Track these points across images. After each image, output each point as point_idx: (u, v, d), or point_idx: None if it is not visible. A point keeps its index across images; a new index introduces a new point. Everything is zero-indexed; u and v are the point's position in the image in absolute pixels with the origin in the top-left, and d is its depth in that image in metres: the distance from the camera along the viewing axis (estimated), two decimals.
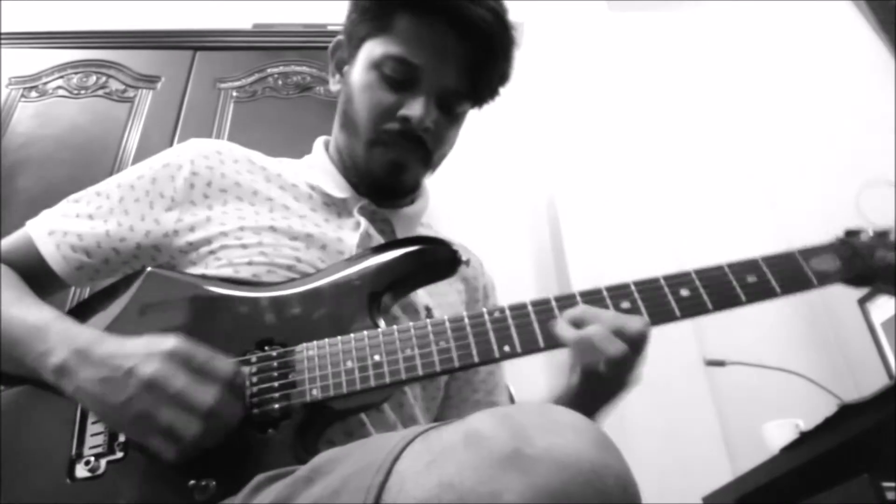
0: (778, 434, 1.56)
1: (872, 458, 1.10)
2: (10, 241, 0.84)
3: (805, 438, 1.21)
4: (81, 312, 0.76)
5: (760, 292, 0.69)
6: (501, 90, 0.91)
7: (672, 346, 1.95)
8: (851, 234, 0.74)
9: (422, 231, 0.97)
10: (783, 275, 0.70)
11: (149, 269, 0.78)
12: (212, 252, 0.78)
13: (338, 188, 0.88)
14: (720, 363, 1.82)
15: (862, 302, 1.80)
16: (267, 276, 0.76)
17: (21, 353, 0.69)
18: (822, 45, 2.28)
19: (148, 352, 0.62)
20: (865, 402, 1.06)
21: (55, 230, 0.82)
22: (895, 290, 0.72)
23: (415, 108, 0.81)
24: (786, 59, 2.45)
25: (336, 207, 0.87)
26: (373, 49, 0.84)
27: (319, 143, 0.96)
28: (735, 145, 2.56)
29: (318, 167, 0.91)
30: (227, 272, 0.76)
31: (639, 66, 2.64)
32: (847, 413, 1.09)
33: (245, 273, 0.76)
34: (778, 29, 2.51)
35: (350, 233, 0.84)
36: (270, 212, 0.82)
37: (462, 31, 0.81)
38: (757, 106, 2.56)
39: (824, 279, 0.70)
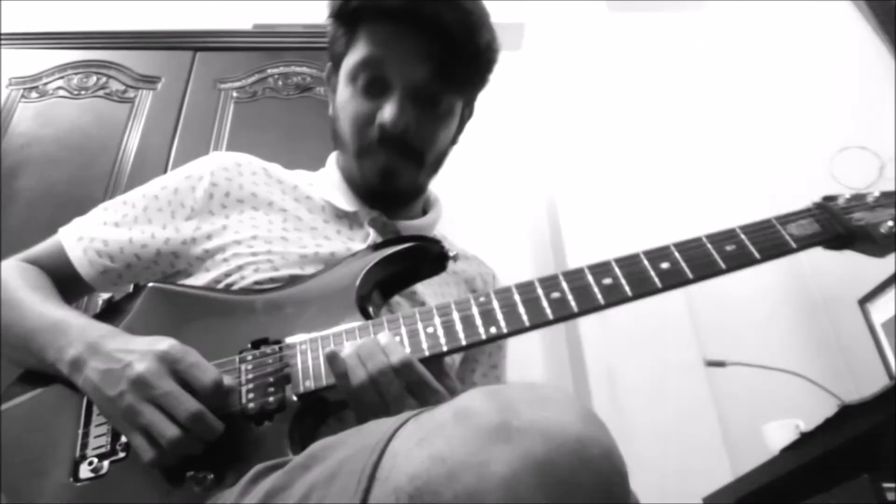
0: (778, 435, 1.56)
1: (872, 459, 1.10)
2: (43, 246, 0.89)
3: (805, 439, 1.21)
4: None
5: (739, 257, 0.69)
6: (489, 76, 0.90)
7: (672, 346, 1.95)
8: (829, 198, 0.75)
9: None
10: (761, 240, 0.70)
11: (150, 284, 0.82)
12: (225, 260, 0.81)
13: (347, 202, 0.89)
14: (720, 364, 1.82)
15: (862, 302, 1.80)
16: (268, 285, 0.79)
17: (42, 347, 0.72)
18: (822, 45, 2.29)
19: (145, 350, 0.66)
20: (865, 403, 1.06)
21: (83, 236, 0.87)
22: (875, 249, 0.72)
23: (386, 112, 0.81)
24: (786, 59, 2.45)
25: (348, 220, 0.89)
26: (347, 64, 0.86)
27: (332, 157, 0.98)
28: (735, 144, 2.56)
29: (330, 182, 0.93)
30: (234, 277, 0.80)
31: (638, 66, 2.65)
32: (847, 414, 1.09)
33: (250, 278, 0.79)
34: (778, 29, 2.51)
35: (361, 244, 0.86)
36: (283, 222, 0.85)
37: (425, 31, 0.80)
38: (756, 106, 2.56)
39: (803, 242, 0.71)
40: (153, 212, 0.86)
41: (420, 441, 0.41)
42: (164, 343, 0.66)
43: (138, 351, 0.66)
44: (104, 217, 0.88)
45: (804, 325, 2.17)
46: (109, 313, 0.80)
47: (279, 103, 2.07)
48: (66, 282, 0.86)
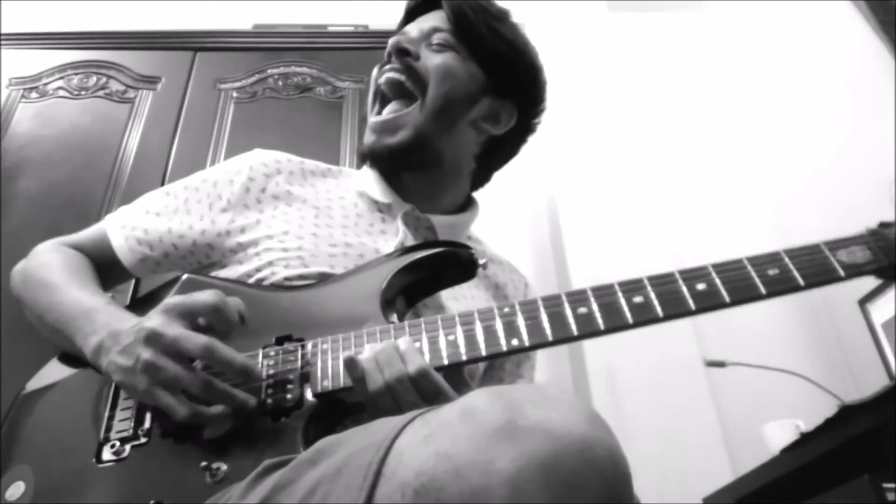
0: (778, 435, 1.56)
1: (873, 459, 1.10)
2: (88, 232, 0.93)
3: (805, 439, 1.21)
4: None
5: (781, 282, 0.65)
6: (501, 46, 0.95)
7: (672, 346, 1.95)
8: (885, 225, 0.70)
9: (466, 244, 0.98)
10: (807, 266, 0.66)
11: (185, 275, 0.84)
12: (257, 254, 0.83)
13: (382, 194, 0.91)
14: (720, 364, 1.82)
15: (862, 303, 1.80)
16: (298, 282, 0.80)
17: (73, 332, 0.76)
18: (822, 45, 2.29)
19: (152, 313, 0.70)
20: (865, 403, 1.06)
21: (126, 224, 0.90)
22: None
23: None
24: (786, 59, 2.45)
25: (381, 214, 0.91)
26: None
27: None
28: (735, 144, 2.56)
29: (367, 177, 0.95)
30: (265, 272, 0.81)
31: (638, 66, 2.65)
32: (847, 414, 1.09)
33: (280, 274, 0.80)
34: (778, 29, 2.51)
35: (394, 238, 0.87)
36: (315, 218, 0.87)
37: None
38: (757, 106, 2.56)
39: (853, 270, 0.66)
40: (193, 203, 0.89)
41: (426, 438, 0.42)
42: (169, 300, 0.70)
43: (148, 317, 0.70)
44: (147, 206, 0.91)
45: (804, 325, 2.17)
46: (144, 301, 0.83)
47: (279, 103, 2.07)
48: (107, 267, 0.89)
